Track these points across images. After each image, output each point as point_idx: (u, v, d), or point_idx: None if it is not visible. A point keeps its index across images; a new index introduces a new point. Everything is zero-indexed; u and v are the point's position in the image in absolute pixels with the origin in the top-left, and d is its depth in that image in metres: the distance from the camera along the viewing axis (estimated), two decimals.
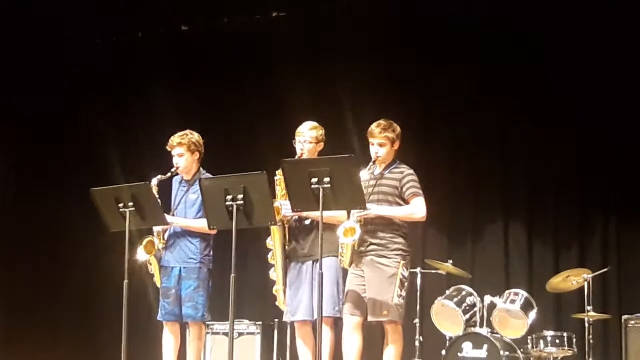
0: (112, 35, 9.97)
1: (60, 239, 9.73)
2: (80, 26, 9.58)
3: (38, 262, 9.71)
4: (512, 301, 7.23)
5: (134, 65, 9.78)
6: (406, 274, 6.18)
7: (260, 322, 8.27)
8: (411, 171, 6.22)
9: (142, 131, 9.55)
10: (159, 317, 6.87)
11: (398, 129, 6.24)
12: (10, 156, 9.85)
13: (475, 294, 7.39)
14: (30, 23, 9.38)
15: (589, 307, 7.14)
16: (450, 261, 7.67)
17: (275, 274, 6.41)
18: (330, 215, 5.97)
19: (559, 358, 7.24)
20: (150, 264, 6.78)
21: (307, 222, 6.31)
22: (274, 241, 6.35)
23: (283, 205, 6.18)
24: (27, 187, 9.83)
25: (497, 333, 7.21)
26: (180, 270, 6.75)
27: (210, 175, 6.71)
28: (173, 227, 6.79)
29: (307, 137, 6.36)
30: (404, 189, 6.14)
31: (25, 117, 9.78)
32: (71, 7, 9.18)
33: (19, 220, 9.67)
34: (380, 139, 6.18)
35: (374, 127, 6.23)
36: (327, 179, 5.63)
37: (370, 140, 6.24)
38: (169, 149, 6.84)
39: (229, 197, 5.83)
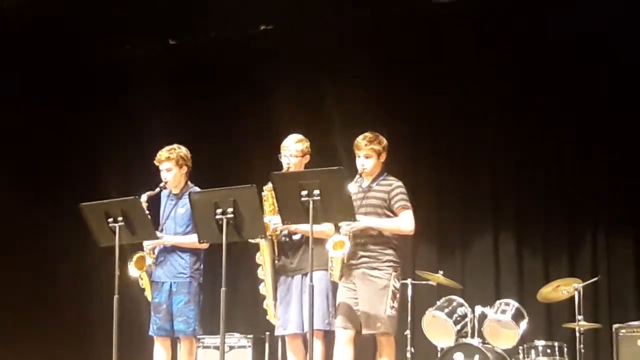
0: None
1: (49, 255, 9.68)
2: (74, 42, 9.56)
3: (27, 279, 9.64)
4: (503, 311, 7.24)
5: (122, 79, 9.76)
6: (398, 285, 6.18)
7: (251, 336, 8.25)
8: (400, 183, 6.21)
9: (130, 145, 9.53)
10: (150, 333, 6.85)
11: (384, 141, 6.24)
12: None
13: (466, 304, 7.38)
14: (30, 38, 9.35)
15: (579, 317, 7.14)
16: (441, 272, 7.68)
17: (265, 288, 6.40)
18: (319, 229, 5.97)
19: None
20: (142, 279, 6.77)
21: (296, 237, 6.29)
22: (263, 256, 6.33)
23: (272, 221, 6.19)
24: (17, 200, 9.76)
25: (488, 343, 7.21)
26: (171, 285, 6.73)
27: (199, 189, 6.69)
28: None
29: (293, 150, 6.33)
30: (392, 202, 6.13)
31: (14, 133, 9.75)
32: (69, 24, 9.17)
33: (6, 236, 9.62)
34: (367, 151, 6.18)
35: (360, 140, 6.22)
36: (317, 192, 5.63)
37: (357, 152, 6.23)
38: (157, 164, 6.83)
39: (219, 210, 5.82)
